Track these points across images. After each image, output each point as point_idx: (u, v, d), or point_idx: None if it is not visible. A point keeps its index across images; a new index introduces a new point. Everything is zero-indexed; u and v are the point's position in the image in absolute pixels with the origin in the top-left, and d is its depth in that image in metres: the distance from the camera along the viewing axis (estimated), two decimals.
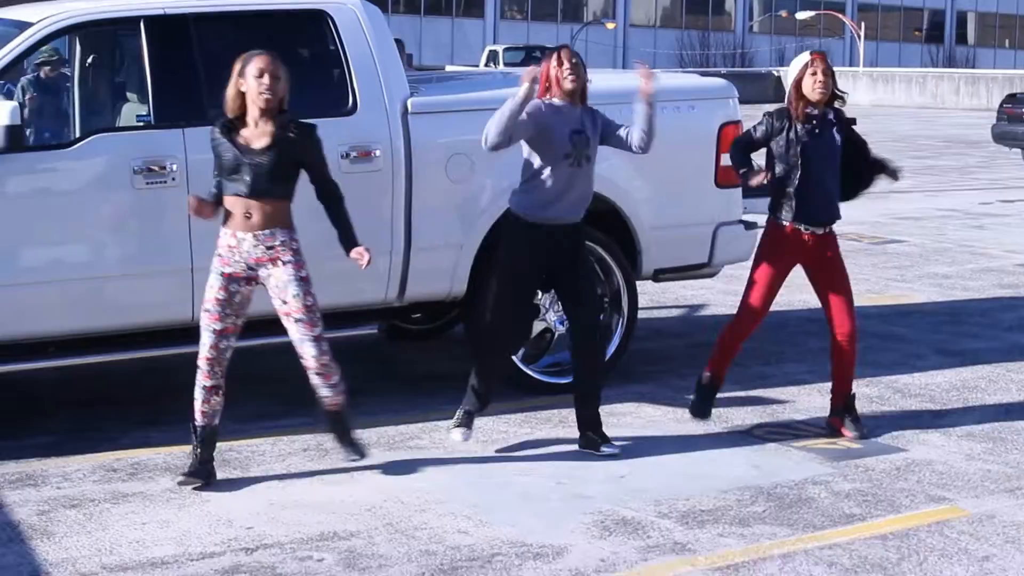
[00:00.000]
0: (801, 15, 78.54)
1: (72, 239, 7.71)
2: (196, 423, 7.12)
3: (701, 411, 8.16)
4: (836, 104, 7.85)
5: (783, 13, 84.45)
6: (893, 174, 8.08)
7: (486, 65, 51.58)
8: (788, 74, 7.85)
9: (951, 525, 6.61)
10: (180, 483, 7.05)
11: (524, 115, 7.29)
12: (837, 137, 7.83)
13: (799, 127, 7.76)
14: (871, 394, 8.99)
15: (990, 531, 6.54)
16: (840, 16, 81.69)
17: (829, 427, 8.13)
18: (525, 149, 7.52)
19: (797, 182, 7.76)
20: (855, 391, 8.13)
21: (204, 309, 7.02)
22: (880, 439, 8.00)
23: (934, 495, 7.06)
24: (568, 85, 7.45)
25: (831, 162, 7.84)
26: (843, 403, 8.09)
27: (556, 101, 7.48)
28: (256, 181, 6.88)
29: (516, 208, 7.60)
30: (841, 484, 7.21)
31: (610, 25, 77.44)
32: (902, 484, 7.22)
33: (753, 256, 8.18)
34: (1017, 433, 8.16)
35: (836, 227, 8.00)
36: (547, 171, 7.45)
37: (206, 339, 7.03)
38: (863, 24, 78.71)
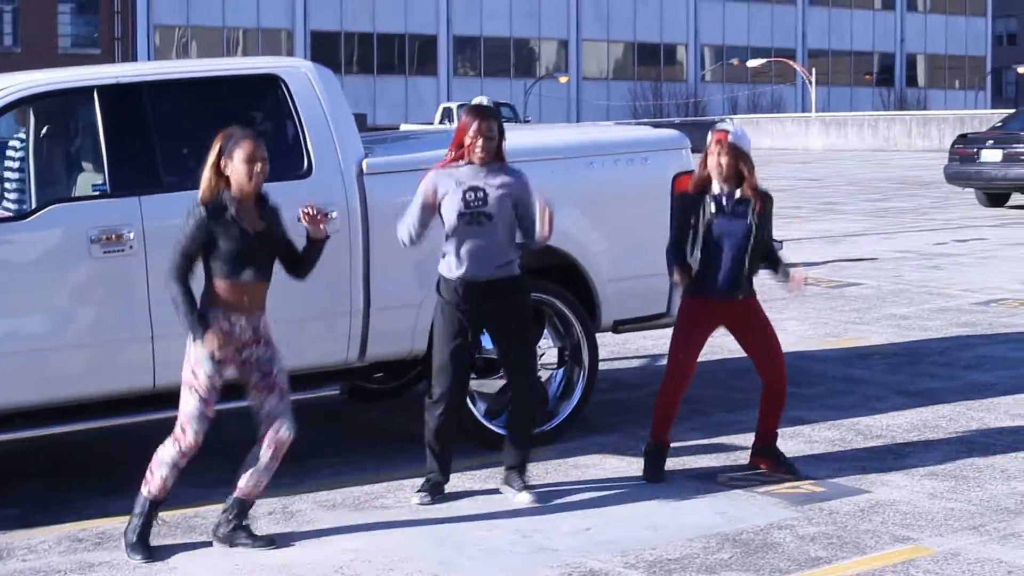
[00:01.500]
0: (752, 63, 79.10)
1: (31, 310, 7.69)
2: (156, 498, 7.07)
3: (655, 476, 8.19)
4: (748, 184, 7.99)
5: (734, 61, 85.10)
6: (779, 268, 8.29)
7: (440, 122, 51.75)
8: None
9: (916, 564, 6.65)
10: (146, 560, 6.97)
11: (424, 200, 7.69)
12: (748, 216, 7.98)
13: (710, 205, 7.98)
14: (833, 437, 9.05)
15: (955, 569, 6.58)
16: (791, 63, 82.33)
17: (752, 467, 8.38)
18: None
19: (705, 257, 7.99)
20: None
21: (200, 398, 6.93)
22: (843, 481, 8.05)
23: (899, 535, 7.10)
24: (476, 160, 7.68)
25: (738, 240, 7.99)
26: (771, 444, 8.35)
27: (460, 163, 7.72)
28: (264, 266, 6.95)
29: (440, 270, 7.84)
30: (806, 528, 7.24)
31: (563, 79, 77.87)
32: (867, 525, 7.26)
33: (675, 322, 8.36)
34: (978, 471, 8.22)
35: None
36: (449, 232, 7.70)
37: (198, 427, 6.97)
38: (814, 69, 79.35)
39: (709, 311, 8.12)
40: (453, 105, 55.43)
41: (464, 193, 7.63)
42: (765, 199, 8.03)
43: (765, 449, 8.36)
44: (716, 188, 7.98)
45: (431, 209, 7.70)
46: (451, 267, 7.73)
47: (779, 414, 8.37)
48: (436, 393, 7.84)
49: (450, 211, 7.64)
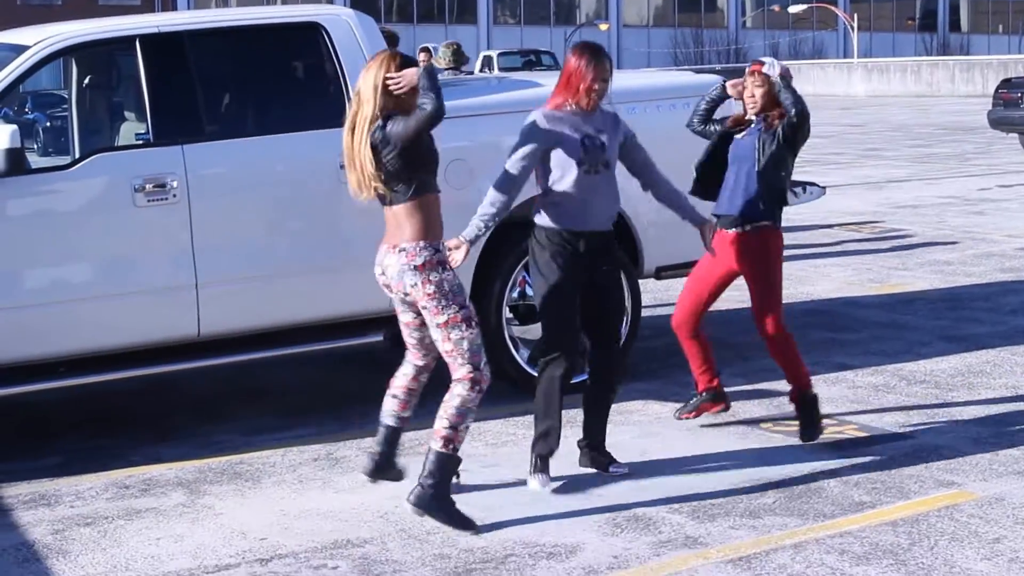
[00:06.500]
0: (793, 8, 78.49)
1: (76, 259, 7.74)
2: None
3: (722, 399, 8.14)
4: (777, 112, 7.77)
5: (775, 8, 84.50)
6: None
7: (481, 71, 51.60)
8: None
9: (960, 509, 6.64)
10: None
11: (540, 144, 7.09)
12: (754, 142, 7.74)
13: (737, 133, 7.89)
14: (876, 382, 9.02)
15: (1000, 513, 6.57)
16: (832, 8, 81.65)
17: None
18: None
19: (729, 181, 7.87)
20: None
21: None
22: (887, 426, 8.04)
23: (943, 480, 7.09)
24: (589, 104, 7.12)
25: (747, 163, 7.78)
26: (795, 400, 7.93)
27: (569, 108, 7.13)
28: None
29: (543, 221, 7.21)
30: (850, 472, 7.24)
31: (603, 26, 77.41)
32: (910, 470, 7.25)
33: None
34: (1023, 415, 8.19)
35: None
36: (564, 181, 7.11)
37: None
38: (856, 15, 78.65)
39: (723, 246, 7.83)
40: (493, 53, 55.32)
41: (583, 139, 7.08)
42: (784, 119, 7.68)
43: (797, 397, 7.94)
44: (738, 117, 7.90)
45: (543, 153, 7.09)
46: (563, 217, 7.12)
47: (786, 368, 7.91)
48: (556, 349, 7.19)
49: (566, 159, 7.07)
